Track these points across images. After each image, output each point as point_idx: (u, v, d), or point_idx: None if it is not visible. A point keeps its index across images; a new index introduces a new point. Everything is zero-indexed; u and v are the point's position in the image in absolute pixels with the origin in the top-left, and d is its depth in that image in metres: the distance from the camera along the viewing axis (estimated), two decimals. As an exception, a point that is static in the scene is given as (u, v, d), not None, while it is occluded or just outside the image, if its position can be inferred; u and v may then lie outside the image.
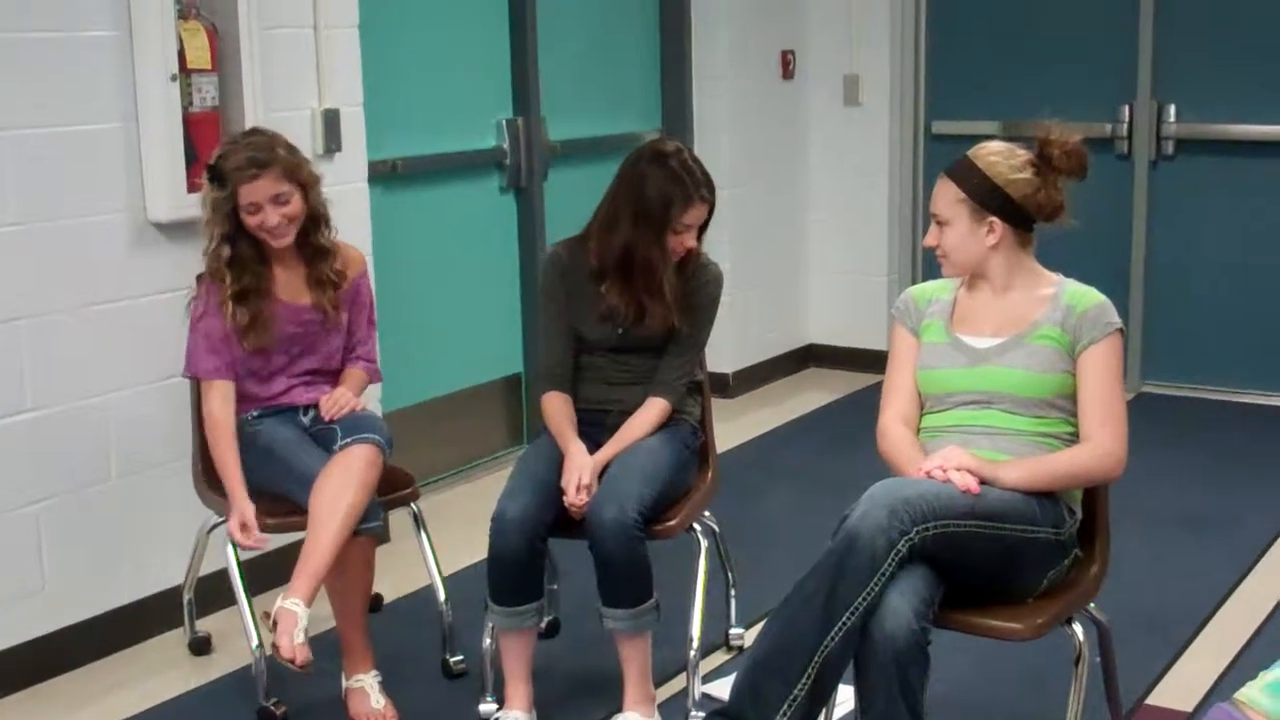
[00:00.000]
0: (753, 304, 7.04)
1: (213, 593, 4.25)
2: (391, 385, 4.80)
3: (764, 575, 4.22)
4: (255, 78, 4.35)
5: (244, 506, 3.73)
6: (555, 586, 4.11)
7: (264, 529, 3.75)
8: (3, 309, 3.93)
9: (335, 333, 3.97)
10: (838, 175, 7.32)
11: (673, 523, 3.68)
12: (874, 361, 6.05)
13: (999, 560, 3.05)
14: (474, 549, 4.12)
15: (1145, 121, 6.69)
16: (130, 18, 4.11)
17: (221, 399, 3.83)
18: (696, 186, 3.71)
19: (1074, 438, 3.19)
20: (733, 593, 4.19)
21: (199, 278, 3.88)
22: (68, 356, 4.08)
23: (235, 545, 3.78)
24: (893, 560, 2.91)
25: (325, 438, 3.84)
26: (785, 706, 2.93)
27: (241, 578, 3.82)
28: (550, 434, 3.80)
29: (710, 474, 3.93)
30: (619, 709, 3.68)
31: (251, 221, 3.77)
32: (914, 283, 6.35)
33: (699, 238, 3.80)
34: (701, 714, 3.63)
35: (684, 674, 3.80)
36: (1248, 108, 6.52)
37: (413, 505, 4.08)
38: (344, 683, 3.80)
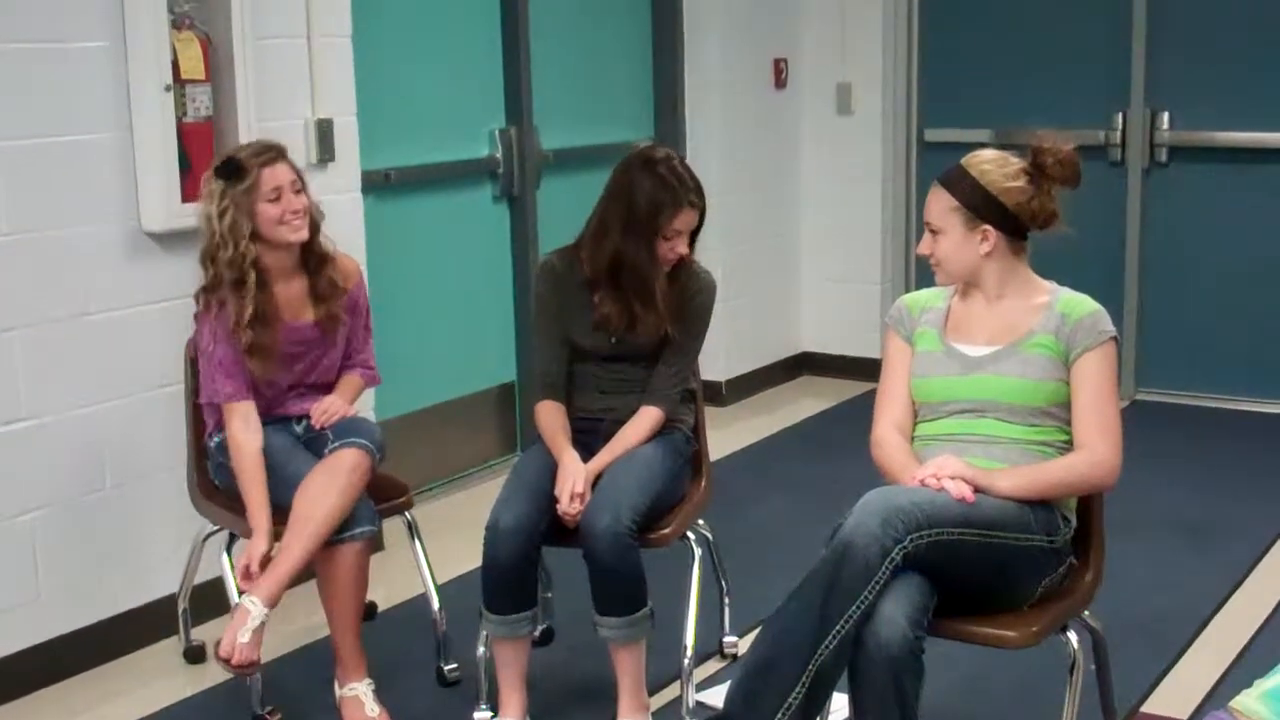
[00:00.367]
0: (746, 312, 7.04)
1: (207, 601, 4.25)
2: (385, 394, 4.80)
3: (758, 583, 4.22)
4: (249, 88, 4.36)
5: (256, 546, 3.66)
6: (549, 595, 4.11)
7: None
8: (-3, 319, 3.94)
9: (335, 346, 3.97)
10: (830, 183, 7.33)
11: (666, 531, 3.68)
12: (867, 369, 6.05)
13: (993, 568, 3.05)
14: (468, 557, 4.12)
15: (1138, 129, 6.71)
16: (124, 28, 4.12)
17: (243, 422, 3.78)
18: (686, 192, 3.70)
19: (1068, 446, 3.19)
20: (726, 601, 4.19)
21: (198, 297, 3.82)
22: (62, 366, 4.08)
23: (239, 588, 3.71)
24: (887, 568, 2.91)
25: (318, 444, 3.84)
26: (780, 715, 2.92)
27: (236, 587, 3.82)
28: (544, 442, 3.80)
29: (704, 482, 3.94)
30: (613, 717, 3.68)
31: (273, 212, 3.73)
32: (907, 291, 6.40)
33: (691, 245, 3.80)
34: (696, 722, 3.64)
35: (678, 682, 3.79)
36: (1241, 115, 6.53)
37: (407, 514, 4.08)
38: (338, 691, 3.79)
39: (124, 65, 4.14)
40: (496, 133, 5.86)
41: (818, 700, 2.96)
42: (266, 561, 3.63)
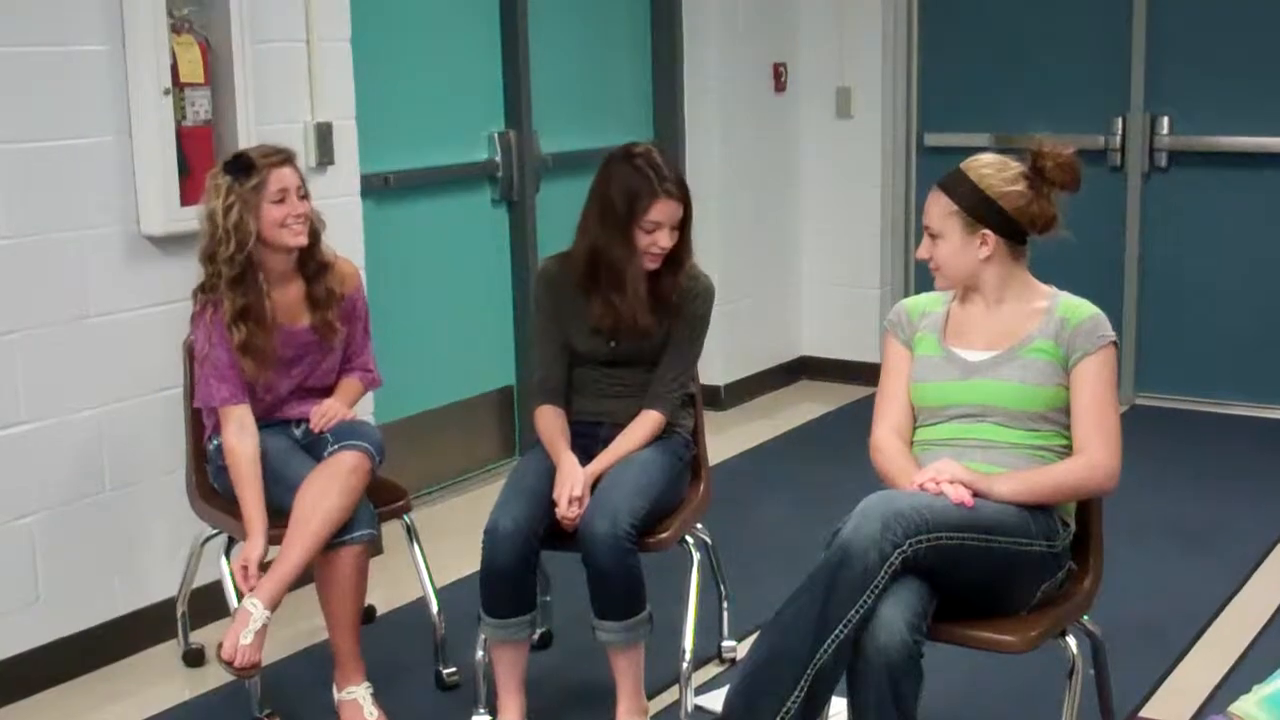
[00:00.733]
0: (744, 316, 7.03)
1: (206, 605, 4.25)
2: (384, 398, 4.80)
3: (756, 587, 4.22)
4: (248, 92, 4.36)
5: (253, 548, 3.67)
6: (548, 598, 4.11)
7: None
8: (-4, 322, 3.94)
9: (334, 351, 3.97)
10: (830, 187, 7.32)
11: (665, 535, 3.68)
12: (866, 374, 6.06)
13: (992, 573, 3.05)
14: (467, 561, 4.12)
15: (1138, 133, 6.71)
16: (123, 32, 4.12)
17: (238, 427, 3.78)
18: (661, 181, 3.67)
19: (1068, 450, 3.19)
20: (725, 605, 4.19)
21: (195, 295, 3.84)
22: (61, 369, 4.08)
23: (238, 591, 3.72)
24: (885, 573, 2.91)
25: (317, 448, 3.84)
26: (778, 719, 2.92)
27: (235, 590, 3.82)
28: (543, 446, 3.80)
29: (702, 486, 3.94)
30: (612, 721, 3.68)
31: (277, 214, 3.73)
32: (906, 295, 6.39)
33: (681, 243, 3.76)
34: (695, 726, 3.64)
35: (677, 686, 3.79)
36: (1241, 119, 6.53)
37: (405, 517, 4.08)
38: (336, 694, 3.79)
39: (123, 69, 4.14)
40: (496, 136, 5.86)
41: (816, 704, 2.96)
42: (263, 565, 3.63)
